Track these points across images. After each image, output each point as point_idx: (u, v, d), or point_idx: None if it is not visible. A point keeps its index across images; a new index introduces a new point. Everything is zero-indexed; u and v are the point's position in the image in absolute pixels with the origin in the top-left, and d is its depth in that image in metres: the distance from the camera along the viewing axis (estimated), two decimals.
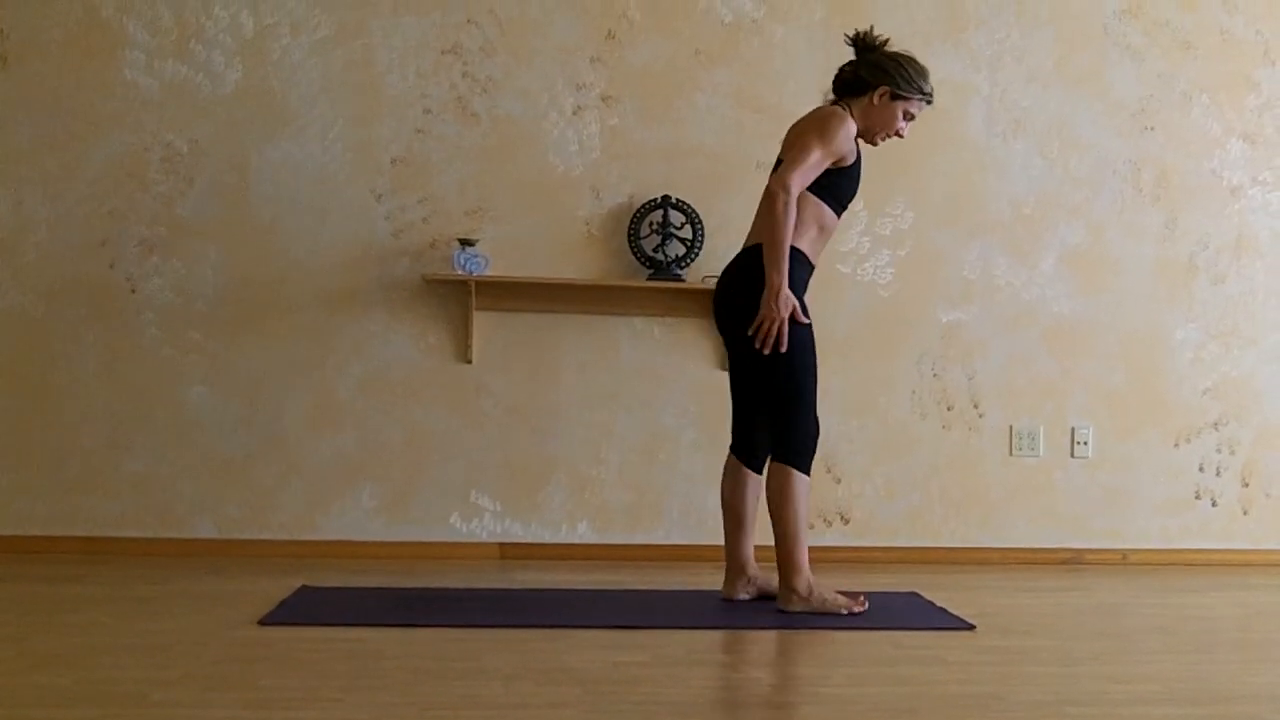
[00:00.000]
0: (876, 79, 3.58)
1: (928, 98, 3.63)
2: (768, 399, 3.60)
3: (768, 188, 3.52)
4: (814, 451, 3.61)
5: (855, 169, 3.61)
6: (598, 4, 4.67)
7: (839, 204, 3.63)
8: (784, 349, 3.49)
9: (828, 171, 3.53)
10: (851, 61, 3.65)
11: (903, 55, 3.62)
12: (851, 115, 3.58)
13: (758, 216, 3.65)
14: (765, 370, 3.55)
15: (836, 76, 3.68)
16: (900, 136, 3.66)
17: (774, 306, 3.44)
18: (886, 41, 3.64)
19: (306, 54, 4.57)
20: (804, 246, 3.56)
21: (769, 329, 3.46)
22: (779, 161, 3.59)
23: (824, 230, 3.62)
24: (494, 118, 4.64)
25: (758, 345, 3.49)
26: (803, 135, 3.53)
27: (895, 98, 3.58)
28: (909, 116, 3.63)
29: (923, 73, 3.62)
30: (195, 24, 4.54)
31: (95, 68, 4.51)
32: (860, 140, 3.64)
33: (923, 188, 4.77)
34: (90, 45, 4.50)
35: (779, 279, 3.44)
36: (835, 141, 3.49)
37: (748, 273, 3.57)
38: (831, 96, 3.68)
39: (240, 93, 4.56)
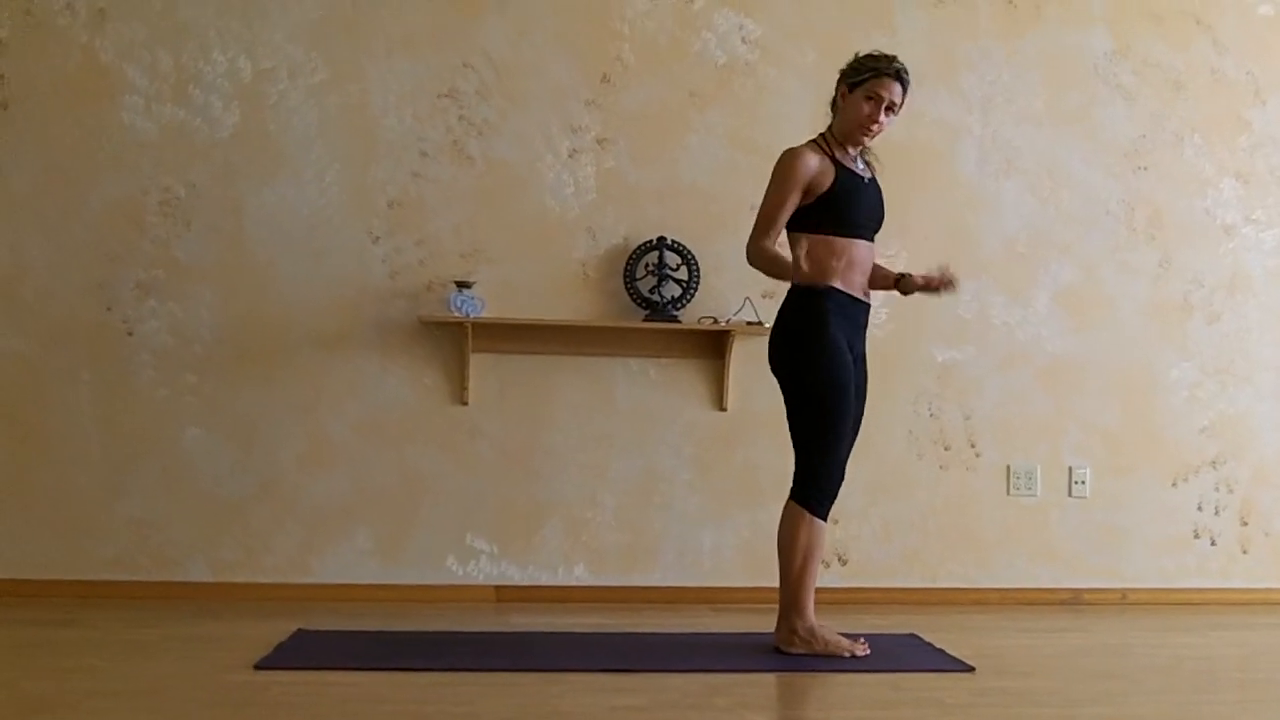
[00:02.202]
0: (837, 84, 3.65)
1: (878, 70, 3.54)
2: (796, 437, 3.60)
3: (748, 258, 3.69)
4: (833, 499, 3.60)
5: (838, 186, 3.56)
6: (592, 47, 4.70)
7: (845, 227, 3.58)
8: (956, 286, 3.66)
9: (810, 207, 3.56)
10: None
11: (859, 54, 3.65)
12: (829, 137, 3.64)
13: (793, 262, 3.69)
14: (796, 410, 3.57)
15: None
16: (877, 123, 3.58)
17: (920, 280, 3.69)
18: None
19: (303, 98, 4.60)
20: (837, 283, 3.55)
21: (941, 283, 3.66)
22: None
23: (847, 259, 3.58)
24: (489, 160, 4.66)
25: (938, 290, 3.66)
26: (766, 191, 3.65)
27: (852, 88, 3.58)
28: (876, 99, 3.55)
29: (874, 55, 3.58)
30: (193, 68, 4.57)
31: (94, 112, 4.53)
32: (849, 147, 3.64)
33: (916, 227, 4.78)
34: (89, 89, 4.53)
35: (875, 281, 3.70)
36: (781, 182, 3.56)
37: (782, 316, 3.63)
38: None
39: (237, 136, 4.58)
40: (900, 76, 3.57)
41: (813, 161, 3.55)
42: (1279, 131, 4.99)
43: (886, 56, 3.58)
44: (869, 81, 3.56)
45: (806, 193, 3.55)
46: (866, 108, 3.57)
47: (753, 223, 3.63)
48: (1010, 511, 4.82)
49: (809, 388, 3.52)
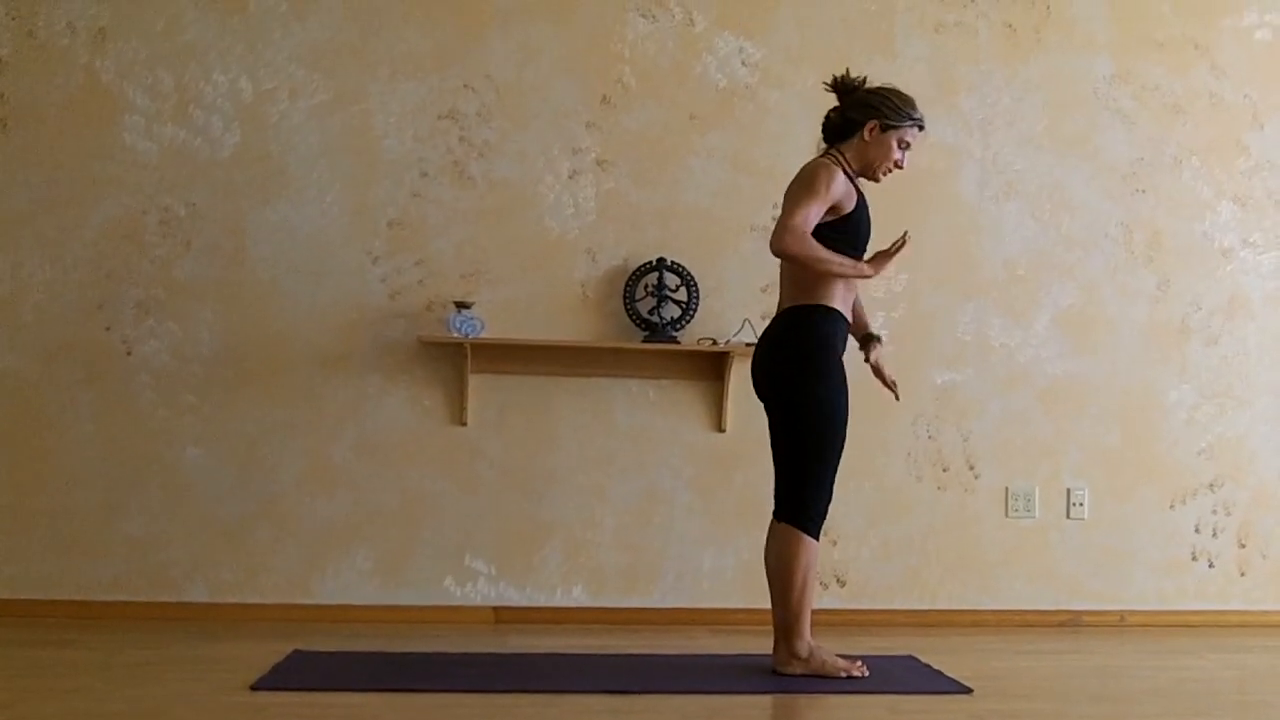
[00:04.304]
0: (864, 115, 3.58)
1: (918, 123, 3.62)
2: (789, 457, 3.59)
3: (774, 248, 3.43)
4: (824, 517, 3.60)
5: (859, 213, 3.60)
6: (593, 69, 4.72)
7: (858, 251, 3.61)
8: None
9: (832, 225, 3.52)
10: (836, 107, 3.66)
11: (885, 88, 3.63)
12: (844, 160, 3.59)
13: (784, 282, 3.64)
14: (795, 430, 3.55)
15: (824, 124, 3.68)
16: (900, 168, 3.65)
17: (880, 268, 3.55)
18: (865, 80, 3.65)
19: (305, 118, 4.61)
20: (835, 303, 3.56)
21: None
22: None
23: (849, 284, 3.62)
24: (490, 181, 4.67)
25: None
26: (790, 193, 3.53)
27: (886, 129, 3.58)
28: (904, 145, 3.62)
29: (908, 100, 3.62)
30: (195, 89, 4.58)
31: (94, 132, 4.54)
32: (864, 179, 3.65)
33: (916, 249, 4.74)
34: (90, 109, 4.54)
35: (854, 269, 3.52)
36: (819, 188, 3.45)
37: (780, 336, 3.60)
38: (824, 145, 3.69)
39: (238, 156, 4.59)
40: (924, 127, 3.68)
41: (842, 179, 3.53)
42: (1277, 155, 5.00)
43: (915, 103, 3.63)
44: (907, 129, 3.61)
45: (830, 210, 3.51)
46: (898, 153, 3.62)
47: (777, 228, 3.44)
48: (1009, 533, 4.82)
49: (816, 408, 3.51)
